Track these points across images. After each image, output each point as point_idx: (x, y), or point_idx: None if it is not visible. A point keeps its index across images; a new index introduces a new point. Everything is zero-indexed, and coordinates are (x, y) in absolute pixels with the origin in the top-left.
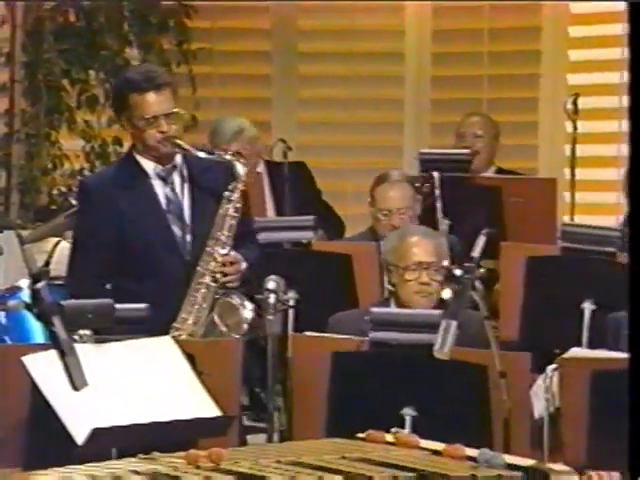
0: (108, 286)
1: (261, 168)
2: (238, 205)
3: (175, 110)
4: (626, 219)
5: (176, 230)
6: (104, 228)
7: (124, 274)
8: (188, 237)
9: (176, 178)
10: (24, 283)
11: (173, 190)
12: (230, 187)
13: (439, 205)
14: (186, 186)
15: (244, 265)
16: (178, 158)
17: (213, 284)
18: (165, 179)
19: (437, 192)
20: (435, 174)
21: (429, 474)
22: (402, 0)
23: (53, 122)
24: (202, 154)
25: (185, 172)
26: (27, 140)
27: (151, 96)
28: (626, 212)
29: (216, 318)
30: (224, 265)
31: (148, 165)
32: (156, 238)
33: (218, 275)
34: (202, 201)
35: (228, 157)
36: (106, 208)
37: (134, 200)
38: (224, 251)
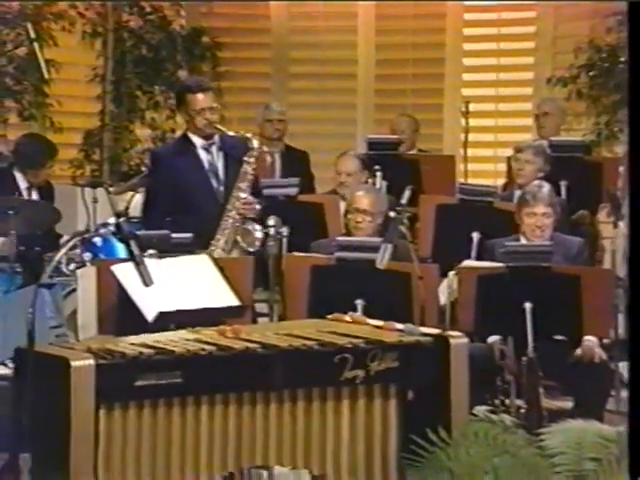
0: (168, 219)
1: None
2: (254, 166)
3: (215, 105)
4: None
5: (214, 183)
6: (167, 182)
7: (179, 211)
8: (221, 188)
9: (214, 149)
10: (111, 219)
11: (212, 157)
12: (248, 154)
13: (379, 173)
14: (221, 154)
15: (258, 206)
16: (216, 137)
17: (237, 217)
18: (207, 149)
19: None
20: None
21: (373, 340)
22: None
23: (130, 118)
24: (232, 133)
25: (220, 145)
26: (113, 130)
27: (200, 96)
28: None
29: (238, 238)
30: (244, 204)
31: (197, 140)
32: (200, 188)
33: (240, 211)
34: (231, 164)
35: (248, 135)
36: (168, 168)
37: (187, 163)
38: (244, 195)
